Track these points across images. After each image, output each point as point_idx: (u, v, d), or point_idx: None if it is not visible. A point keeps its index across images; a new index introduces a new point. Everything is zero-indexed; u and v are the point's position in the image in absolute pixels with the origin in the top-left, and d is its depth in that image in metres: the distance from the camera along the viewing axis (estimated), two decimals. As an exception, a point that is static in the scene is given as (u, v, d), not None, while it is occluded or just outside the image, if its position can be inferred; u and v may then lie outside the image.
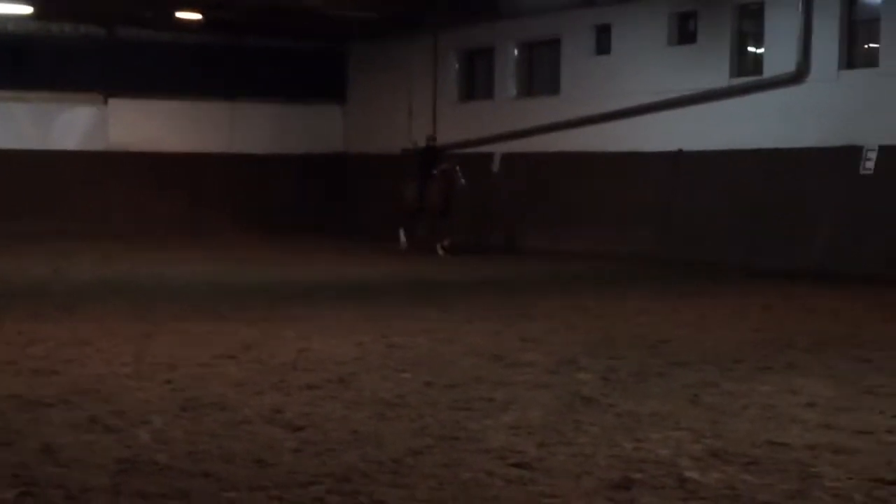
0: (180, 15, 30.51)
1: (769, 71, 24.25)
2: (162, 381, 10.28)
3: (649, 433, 8.39)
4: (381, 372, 10.82)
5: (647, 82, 26.51)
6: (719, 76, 25.17)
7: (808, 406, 9.45)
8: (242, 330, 13.51)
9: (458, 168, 26.40)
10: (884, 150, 21.89)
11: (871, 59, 22.73)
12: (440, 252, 26.15)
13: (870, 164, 22.12)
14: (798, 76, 23.51)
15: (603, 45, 28.22)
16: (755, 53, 25.06)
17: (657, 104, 26.20)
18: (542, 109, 29.10)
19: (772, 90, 24.03)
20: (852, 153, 22.37)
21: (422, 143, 28.94)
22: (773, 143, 23.75)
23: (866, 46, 23.02)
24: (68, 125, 32.97)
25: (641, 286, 19.46)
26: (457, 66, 32.78)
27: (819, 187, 22.90)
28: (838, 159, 22.60)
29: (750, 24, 25.09)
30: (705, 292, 18.54)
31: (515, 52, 30.80)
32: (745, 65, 25.15)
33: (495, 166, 30.59)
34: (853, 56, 23.12)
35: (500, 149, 30.51)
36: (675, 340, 13.09)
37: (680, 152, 25.87)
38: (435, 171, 26.77)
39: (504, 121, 30.21)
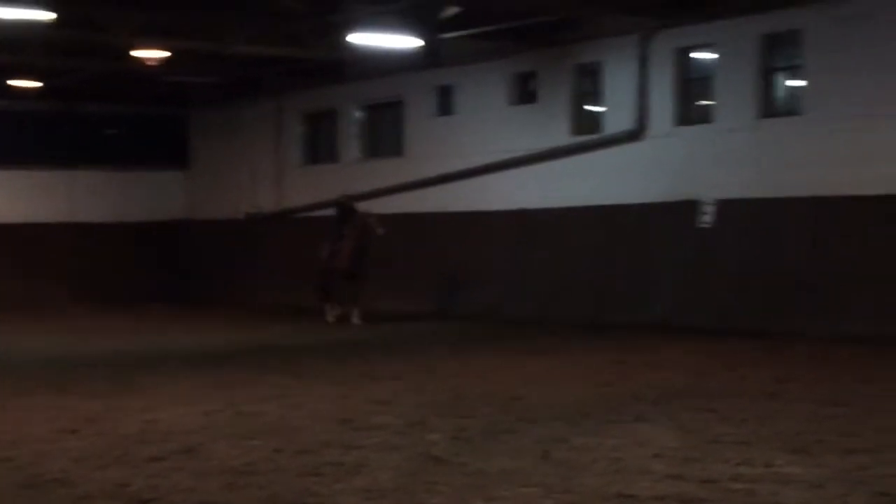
0: (16, 83, 29.91)
1: (608, 128, 24.70)
2: (2, 458, 9.95)
3: (500, 491, 8.37)
4: (229, 440, 10.63)
5: (490, 142, 26.78)
6: (560, 134, 25.54)
7: (655, 457, 9.53)
8: (85, 403, 13.18)
9: (374, 219, 24.81)
10: (719, 204, 22.42)
11: (706, 116, 23.32)
12: (356, 321, 24.47)
13: (707, 218, 22.63)
14: (636, 133, 23.99)
15: (445, 105, 28.45)
16: (594, 112, 25.51)
17: (500, 163, 26.48)
18: (387, 171, 29.19)
19: (611, 147, 24.46)
20: (690, 207, 22.86)
21: (270, 208, 28.65)
22: (615, 200, 24.16)
23: (701, 103, 23.61)
24: None
25: (489, 344, 19.55)
26: (300, 129, 32.74)
27: (660, 241, 23.33)
28: (677, 214, 23.07)
29: (588, 83, 25.54)
30: (552, 348, 18.69)
31: (358, 114, 30.90)
32: (585, 123, 25.58)
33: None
34: (688, 112, 23.69)
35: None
36: (524, 397, 13.14)
37: (524, 211, 26.14)
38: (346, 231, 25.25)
39: (349, 183, 30.18)
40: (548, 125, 25.70)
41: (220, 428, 11.35)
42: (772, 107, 22.29)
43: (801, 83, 21.77)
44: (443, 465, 9.39)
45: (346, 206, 25.97)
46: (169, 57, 25.24)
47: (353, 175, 30.25)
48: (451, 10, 23.40)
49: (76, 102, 33.26)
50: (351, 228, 25.18)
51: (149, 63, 25.28)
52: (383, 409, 12.37)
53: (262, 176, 33.08)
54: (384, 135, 30.68)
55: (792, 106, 22.03)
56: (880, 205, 20.05)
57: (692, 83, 23.75)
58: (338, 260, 25.09)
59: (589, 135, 25.18)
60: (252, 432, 11.04)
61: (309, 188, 31.50)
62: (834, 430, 10.71)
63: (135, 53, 24.88)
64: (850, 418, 11.39)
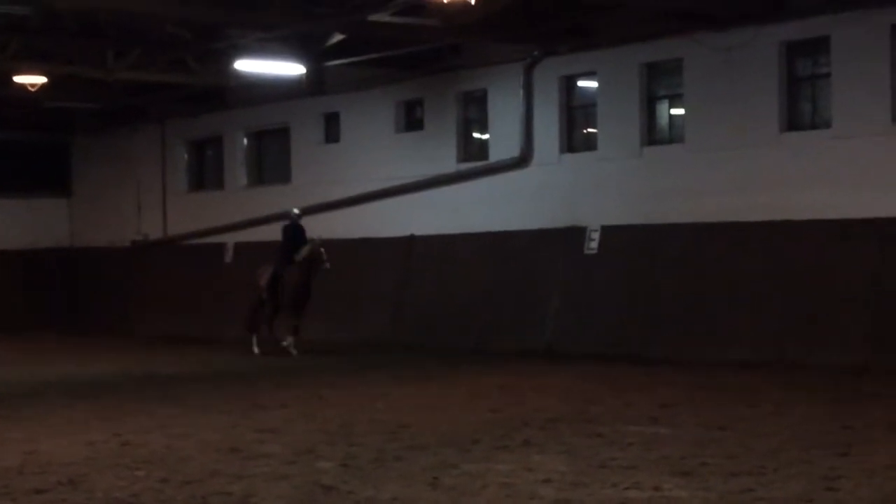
0: None
1: (494, 156, 24.87)
2: None
3: (391, 519, 8.35)
4: (113, 471, 10.47)
5: (377, 169, 26.81)
6: (447, 162, 25.66)
7: (544, 482, 9.59)
8: (-36, 434, 12.87)
9: (322, 249, 23.39)
10: (605, 231, 22.69)
11: (591, 143, 23.60)
12: (292, 351, 23.26)
13: (593, 244, 22.88)
14: (522, 160, 24.19)
15: (332, 133, 28.44)
16: (481, 139, 25.67)
17: (388, 190, 26.52)
18: (274, 198, 29.03)
19: (498, 174, 24.63)
20: (576, 234, 23.10)
21: (155, 235, 28.04)
22: (502, 226, 24.32)
23: (585, 131, 23.89)
24: None
25: (378, 372, 19.50)
26: (185, 156, 32.47)
27: (546, 268, 23.51)
28: (563, 240, 23.29)
29: (475, 111, 25.73)
30: (441, 375, 18.72)
31: (245, 140, 30.72)
32: (472, 150, 25.74)
33: (228, 256, 30.30)
34: (573, 140, 23.95)
35: (232, 239, 30.28)
36: (413, 424, 13.13)
37: (412, 237, 26.19)
38: (297, 257, 23.45)
39: (235, 210, 30.01)
40: (435, 152, 25.80)
41: (104, 459, 11.17)
42: (654, 134, 22.64)
43: (682, 111, 22.15)
44: (332, 493, 9.35)
45: (296, 225, 24.19)
46: (51, 82, 24.87)
47: (239, 202, 30.08)
48: (336, 38, 23.43)
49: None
50: (301, 255, 23.43)
51: (30, 88, 24.88)
52: (272, 438, 12.28)
53: (147, 203, 32.72)
54: (271, 162, 30.56)
55: (674, 134, 22.40)
56: (759, 231, 20.44)
57: (577, 111, 24.04)
58: (279, 287, 23.65)
59: (475, 162, 25.33)
60: (137, 462, 10.88)
61: (195, 215, 31.22)
62: (718, 453, 10.86)
63: (17, 79, 24.48)
64: (734, 441, 11.57)
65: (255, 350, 23.78)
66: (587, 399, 15.31)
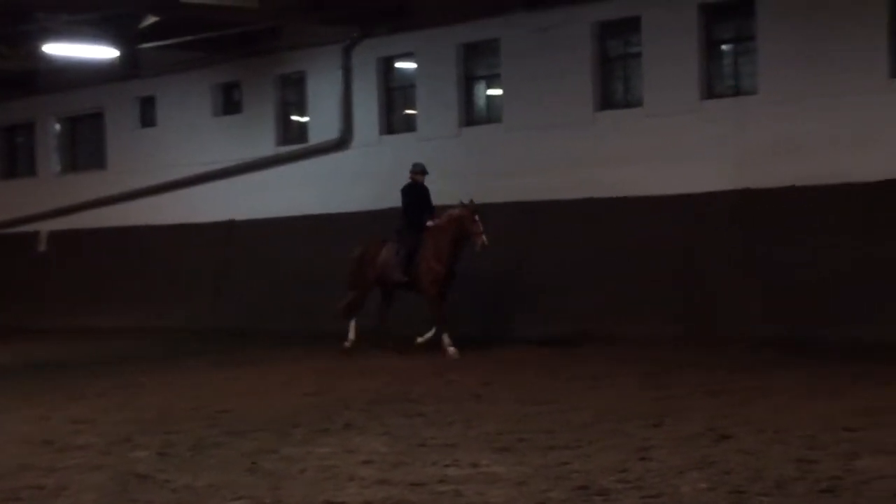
0: None
1: (314, 138, 24.76)
2: None
3: (206, 506, 8.24)
4: (-82, 468, 10.09)
5: (196, 153, 26.44)
6: (266, 145, 25.45)
7: (365, 463, 9.57)
8: None
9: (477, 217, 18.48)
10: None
11: (410, 124, 23.64)
12: (450, 350, 18.10)
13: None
14: (341, 143, 24.14)
15: (148, 117, 27.96)
16: (300, 122, 25.51)
17: (206, 175, 26.19)
18: (89, 184, 28.44)
19: (318, 157, 24.51)
20: (397, 215, 23.05)
21: None
22: (322, 209, 24.22)
23: (405, 112, 23.92)
24: None
25: (197, 358, 19.24)
26: (-5, 142, 31.60)
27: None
28: (383, 222, 23.24)
29: (293, 93, 25.55)
30: (262, 360, 18.55)
31: (57, 126, 29.98)
32: (291, 133, 25.57)
33: (42, 245, 29.57)
34: (392, 121, 23.97)
35: (46, 227, 29.55)
36: (232, 410, 12.98)
37: (232, 222, 25.90)
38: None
39: (49, 198, 29.28)
40: (253, 135, 25.56)
41: None
42: (472, 115, 22.80)
43: (500, 91, 22.34)
44: (148, 482, 9.18)
45: (420, 185, 19.39)
46: None
47: (53, 189, 29.38)
48: (149, 20, 22.99)
49: None
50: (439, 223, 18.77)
51: None
52: (86, 429, 12.00)
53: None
54: (85, 148, 29.90)
55: (491, 114, 22.58)
56: (577, 208, 20.75)
57: (395, 92, 24.06)
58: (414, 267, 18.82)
59: (295, 145, 25.17)
60: (-56, 459, 10.52)
61: (7, 203, 30.35)
62: (536, 428, 10.99)
63: None
64: (552, 416, 11.72)
65: (350, 338, 19.34)
66: (409, 379, 15.35)
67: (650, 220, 19.92)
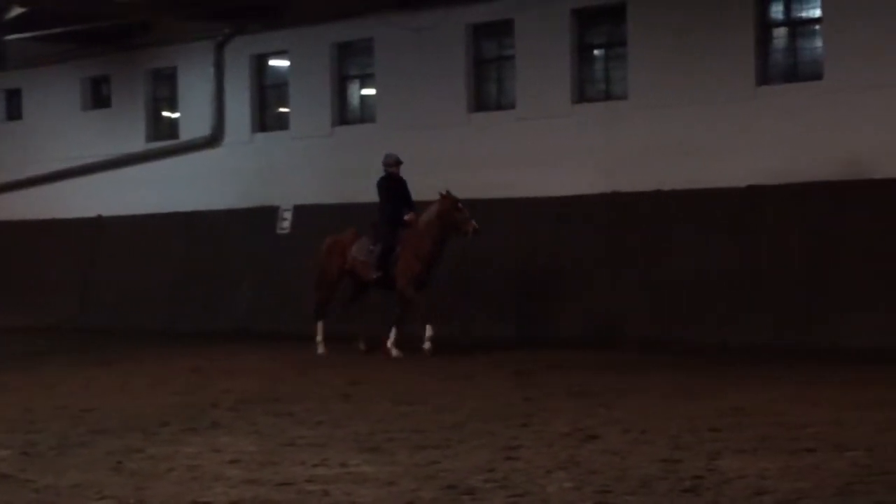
0: None
1: (185, 135, 24.51)
2: None
3: (70, 505, 8.10)
4: None
5: (63, 148, 25.99)
6: (136, 140, 25.13)
7: (232, 463, 9.49)
8: None
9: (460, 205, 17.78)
10: (298, 210, 22.67)
11: (283, 123, 23.52)
12: (427, 348, 17.45)
13: (286, 224, 22.83)
14: (213, 140, 23.93)
15: (14, 110, 27.44)
16: (171, 118, 25.22)
17: (73, 170, 25.76)
18: (-49, 178, 27.78)
19: (188, 154, 24.26)
20: (269, 213, 23.00)
21: None
22: (193, 206, 23.98)
23: (277, 110, 23.79)
24: None
25: (62, 357, 18.90)
26: None
27: (239, 248, 23.32)
28: (255, 220, 23.14)
29: (164, 89, 25.26)
30: (129, 358, 18.29)
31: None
32: (162, 129, 25.28)
33: None
34: (265, 119, 23.82)
35: None
36: (98, 409, 12.77)
37: (100, 218, 25.50)
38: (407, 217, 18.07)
39: None
40: (123, 131, 25.24)
41: None
42: (346, 114, 22.77)
43: (374, 91, 22.33)
44: (10, 482, 8.98)
45: (396, 176, 18.32)
46: None
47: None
48: (15, 11, 22.52)
49: None
50: (426, 217, 17.74)
51: None
52: (-55, 429, 11.70)
53: None
54: (-53, 140, 29.19)
55: (365, 113, 22.58)
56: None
57: (269, 90, 23.92)
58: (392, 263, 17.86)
59: (165, 141, 24.88)
60: None
61: None
62: (406, 427, 11.00)
63: None
64: (422, 416, 11.74)
65: (320, 348, 18.35)
66: (278, 379, 15.27)
67: (519, 222, 20.05)
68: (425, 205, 17.76)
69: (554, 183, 19.75)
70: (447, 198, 17.54)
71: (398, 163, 18.23)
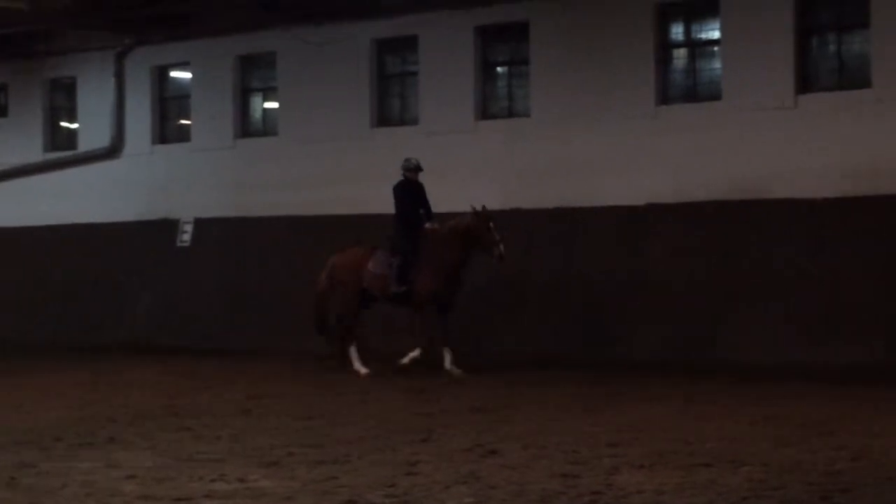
0: None
1: (84, 146, 24.21)
2: None
3: (-40, 522, 7.94)
4: None
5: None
6: (33, 151, 24.77)
7: (128, 478, 9.37)
8: None
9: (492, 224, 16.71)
10: (198, 223, 22.49)
11: (184, 135, 23.33)
12: (454, 371, 16.42)
13: (186, 237, 22.64)
14: (113, 151, 23.67)
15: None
16: (69, 128, 24.90)
17: (-32, 179, 25.31)
18: None
19: (87, 165, 23.97)
20: (169, 226, 22.78)
21: None
22: (91, 218, 23.67)
23: (179, 122, 23.59)
24: None
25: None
26: None
27: (137, 261, 23.07)
28: (155, 233, 22.92)
29: (63, 99, 24.94)
30: (23, 371, 17.96)
31: None
32: (60, 139, 24.95)
33: None
34: (166, 131, 23.62)
35: None
36: (-10, 423, 12.55)
37: (-8, 229, 25.10)
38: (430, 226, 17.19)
39: None
40: (19, 140, 24.88)
41: None
42: (248, 127, 22.65)
43: (276, 104, 22.25)
44: None
45: (415, 182, 17.17)
46: None
47: None
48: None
49: None
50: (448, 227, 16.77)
51: None
52: None
53: None
54: None
55: (267, 126, 22.48)
56: (346, 224, 20.66)
57: (170, 101, 23.73)
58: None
59: (63, 151, 24.55)
60: None
61: None
62: (305, 442, 10.95)
63: None
64: (321, 431, 11.69)
65: (360, 368, 16.89)
66: (176, 393, 15.10)
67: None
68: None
69: (456, 199, 19.74)
70: (481, 214, 16.50)
71: (419, 169, 17.16)
